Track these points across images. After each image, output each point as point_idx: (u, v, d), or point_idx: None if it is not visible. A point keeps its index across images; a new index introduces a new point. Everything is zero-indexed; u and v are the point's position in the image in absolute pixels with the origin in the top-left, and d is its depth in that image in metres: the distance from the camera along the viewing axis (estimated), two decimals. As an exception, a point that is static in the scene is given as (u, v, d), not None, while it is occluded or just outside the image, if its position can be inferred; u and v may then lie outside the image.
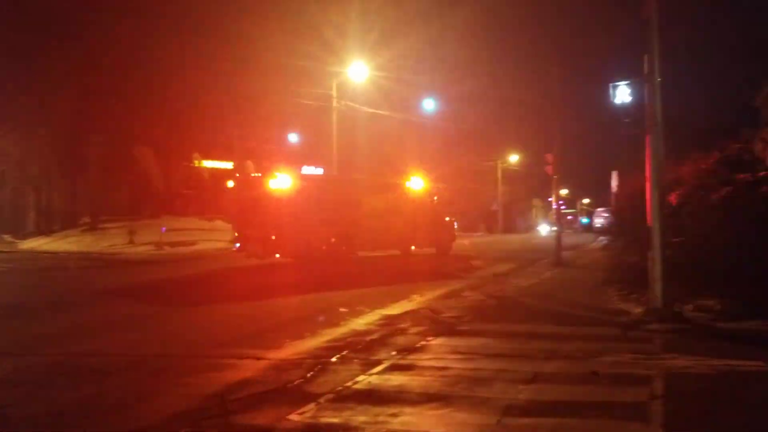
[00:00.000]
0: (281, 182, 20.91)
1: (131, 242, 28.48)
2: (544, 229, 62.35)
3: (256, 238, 20.70)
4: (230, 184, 23.09)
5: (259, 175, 23.48)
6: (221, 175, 42.47)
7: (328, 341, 8.74)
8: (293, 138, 38.22)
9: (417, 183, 26.00)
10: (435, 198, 27.23)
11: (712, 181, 11.42)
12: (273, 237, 20.46)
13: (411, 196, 25.78)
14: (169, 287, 14.79)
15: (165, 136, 34.94)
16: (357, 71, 36.36)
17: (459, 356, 7.80)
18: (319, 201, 21.66)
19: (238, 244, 21.73)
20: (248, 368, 7.26)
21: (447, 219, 27.69)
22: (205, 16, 34.53)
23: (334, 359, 7.67)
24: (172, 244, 27.92)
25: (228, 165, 37.87)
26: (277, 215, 20.53)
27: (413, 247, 25.26)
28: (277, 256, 20.75)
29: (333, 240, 21.58)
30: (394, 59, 36.91)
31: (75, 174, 36.36)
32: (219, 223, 37.72)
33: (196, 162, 38.23)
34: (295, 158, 44.46)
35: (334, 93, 37.44)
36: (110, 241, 29.16)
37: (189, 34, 33.78)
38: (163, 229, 27.54)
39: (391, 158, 53.80)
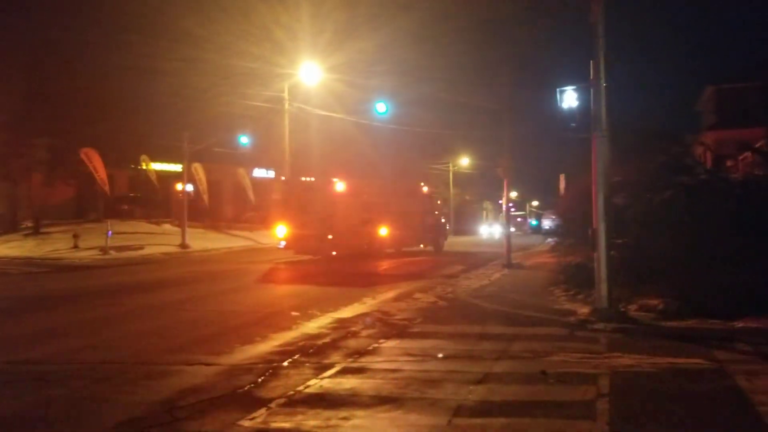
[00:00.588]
0: (336, 187, 24.11)
1: (76, 247, 27.71)
2: (496, 231, 63.05)
3: (312, 237, 23.14)
4: (279, 187, 27.00)
5: (312, 179, 26.31)
6: (169, 177, 41.82)
7: (280, 345, 8.67)
8: (244, 140, 37.74)
9: (426, 188, 29.65)
10: (439, 202, 31.33)
11: (654, 184, 11.75)
12: (330, 236, 23.23)
13: (423, 199, 29.54)
14: (116, 292, 14.46)
15: (111, 139, 34.12)
16: (309, 73, 36.18)
17: (410, 358, 7.84)
18: (362, 204, 24.80)
19: (283, 243, 24.48)
20: (197, 374, 7.15)
21: (443, 221, 31.37)
22: (152, 17, 33.90)
23: (285, 363, 7.62)
24: (119, 249, 27.29)
25: (177, 167, 37.23)
26: (334, 217, 23.34)
27: (422, 245, 28.76)
28: (334, 253, 23.41)
29: (371, 239, 24.79)
30: (347, 62, 36.82)
31: (17, 177, 35.22)
32: (167, 227, 37.10)
33: (144, 165, 37.45)
34: (247, 161, 44.03)
35: (285, 95, 37.18)
36: (54, 246, 28.32)
37: (135, 34, 33.08)
38: (109, 233, 26.89)
39: (344, 161, 53.77)
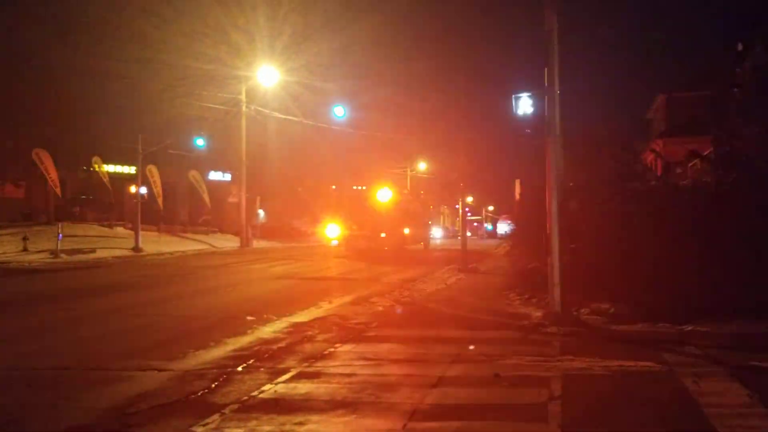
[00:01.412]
0: (386, 195, 30.53)
1: (25, 250, 26.94)
2: (437, 234, 63.78)
3: (366, 236, 28.67)
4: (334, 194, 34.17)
5: (364, 188, 32.54)
6: (122, 180, 41.00)
7: (234, 350, 8.57)
8: (200, 143, 37.26)
9: (422, 197, 38.29)
10: (431, 207, 39.53)
11: (606, 189, 11.97)
12: (383, 234, 28.84)
13: (423, 205, 37.90)
14: (67, 297, 14.10)
15: (64, 140, 33.33)
16: (267, 76, 35.95)
17: (366, 362, 7.83)
18: (400, 210, 31.15)
19: (336, 242, 30.22)
20: (149, 380, 7.01)
21: (429, 222, 39.68)
22: (107, 16, 33.28)
23: (239, 369, 7.53)
24: (70, 252, 26.61)
25: (130, 170, 36.58)
26: (386, 219, 29.43)
27: (422, 244, 35.76)
28: (386, 248, 28.55)
29: (403, 237, 30.47)
30: (305, 65, 36.70)
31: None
32: (120, 230, 36.34)
33: (96, 166, 36.65)
34: (203, 163, 43.47)
35: (243, 98, 36.87)
36: (2, 249, 27.43)
37: (89, 34, 32.41)
38: (60, 236, 26.21)
39: (302, 164, 53.53)
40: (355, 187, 33.54)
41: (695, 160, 17.42)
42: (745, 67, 25.60)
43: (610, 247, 11.01)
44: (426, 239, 37.19)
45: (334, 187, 38.33)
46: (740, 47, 26.13)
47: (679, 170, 16.50)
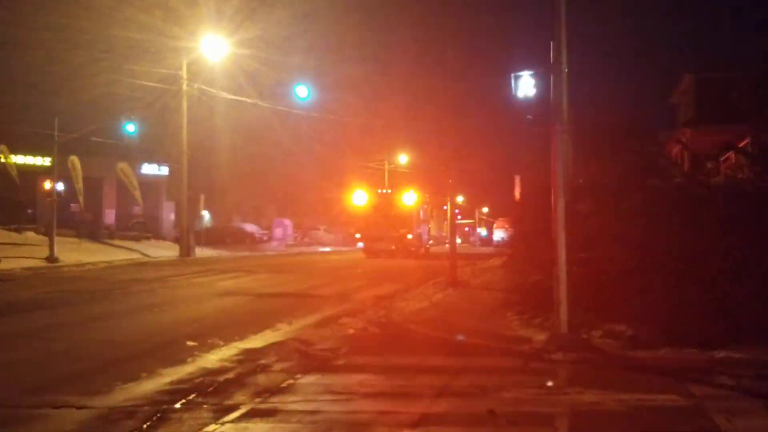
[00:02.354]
0: (411, 199, 39.96)
1: None
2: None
3: (392, 238, 38.22)
4: (358, 199, 41.24)
5: (389, 191, 43.17)
6: (35, 174, 40.53)
7: (171, 383, 8.51)
8: (131, 129, 37.01)
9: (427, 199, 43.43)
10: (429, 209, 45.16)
11: (623, 188, 12.08)
12: (410, 236, 39.50)
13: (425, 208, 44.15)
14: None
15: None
16: (213, 48, 35.71)
17: (333, 397, 7.83)
18: (419, 212, 40.86)
19: (362, 244, 40.38)
20: (66, 420, 6.94)
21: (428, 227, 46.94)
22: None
23: (177, 405, 7.48)
24: (-32, 262, 26.28)
25: (44, 161, 36.18)
26: (412, 223, 39.78)
27: (422, 249, 42.94)
28: (412, 249, 39.21)
29: (423, 241, 39.64)
30: (260, 35, 36.56)
31: None
32: (31, 236, 35.97)
33: (2, 157, 36.18)
34: (134, 154, 43.13)
35: (184, 74, 36.61)
36: None
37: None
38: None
39: (258, 156, 53.35)
40: (380, 191, 43.80)
41: (729, 153, 17.66)
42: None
43: (628, 256, 11.10)
44: (425, 244, 44.59)
45: (356, 191, 43.66)
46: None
47: (710, 165, 16.69)
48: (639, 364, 9.44)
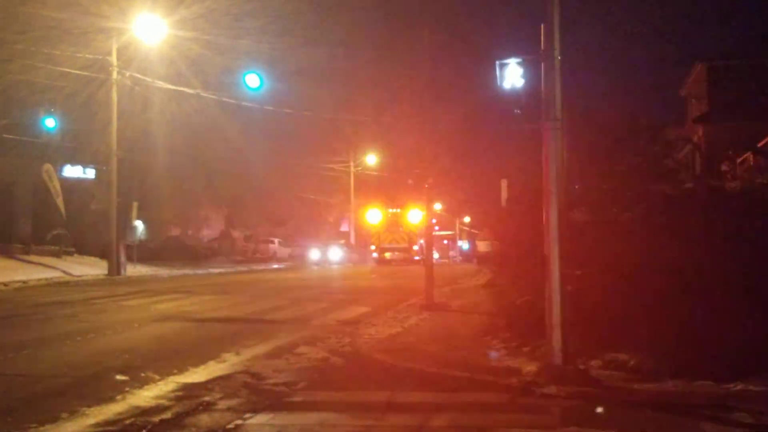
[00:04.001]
0: (418, 216, 49.03)
1: None
2: (335, 255, 64.95)
3: (402, 249, 55.38)
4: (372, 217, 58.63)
5: (399, 210, 57.08)
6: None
7: (97, 425, 8.43)
8: (50, 124, 36.69)
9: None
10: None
11: (624, 194, 12.18)
12: (415, 247, 55.29)
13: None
14: None
15: None
16: (148, 29, 35.50)
17: (288, 440, 7.79)
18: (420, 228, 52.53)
19: (376, 254, 57.32)
20: (-30, 469, 6.84)
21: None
22: None
23: (103, 451, 7.41)
24: None
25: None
26: (418, 237, 53.27)
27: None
28: (417, 258, 51.54)
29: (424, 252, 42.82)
30: (203, 14, 36.40)
31: None
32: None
33: None
34: (54, 154, 42.71)
35: (113, 60, 36.40)
36: None
37: None
38: None
39: (201, 157, 53.02)
40: (391, 210, 58.29)
41: (747, 154, 17.91)
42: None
43: (631, 274, 11.18)
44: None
45: (369, 209, 58.25)
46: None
47: (725, 167, 16.94)
48: (644, 399, 9.49)
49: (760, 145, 16.45)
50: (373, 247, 59.15)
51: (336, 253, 67.45)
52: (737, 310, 10.45)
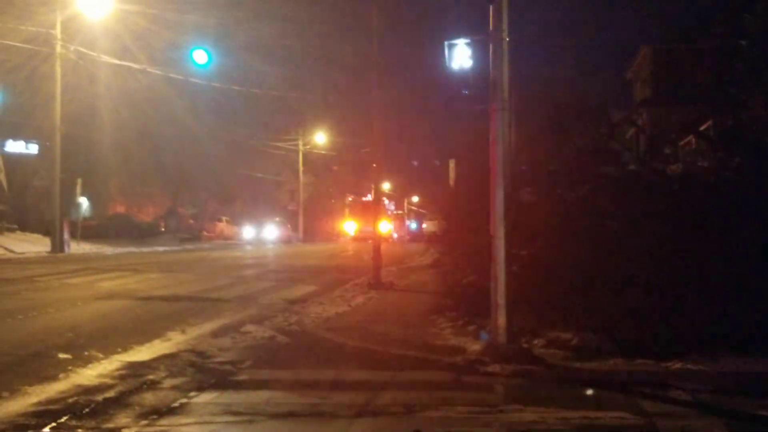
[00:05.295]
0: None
1: None
2: (270, 234, 65.63)
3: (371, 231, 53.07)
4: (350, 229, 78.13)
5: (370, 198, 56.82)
6: None
7: (39, 403, 8.33)
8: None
9: None
10: None
11: (570, 175, 12.32)
12: (392, 231, 78.39)
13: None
14: None
15: None
16: (93, 2, 34.96)
17: (233, 418, 7.79)
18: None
19: (353, 233, 75.17)
20: None
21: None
22: None
23: (46, 429, 7.35)
24: None
25: None
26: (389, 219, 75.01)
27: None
28: (395, 236, 79.15)
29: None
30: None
31: None
32: None
33: None
34: (-5, 129, 42.00)
35: (57, 33, 35.82)
36: None
37: None
38: None
39: (148, 132, 52.38)
40: (364, 198, 71.66)
41: (689, 137, 18.19)
42: (756, 10, 26.82)
43: (575, 254, 11.32)
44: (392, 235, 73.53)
45: (351, 198, 61.14)
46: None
47: (667, 150, 17.19)
48: (586, 377, 9.64)
49: (702, 128, 16.70)
50: (354, 228, 75.35)
51: (272, 232, 67.78)
52: (677, 290, 10.63)
